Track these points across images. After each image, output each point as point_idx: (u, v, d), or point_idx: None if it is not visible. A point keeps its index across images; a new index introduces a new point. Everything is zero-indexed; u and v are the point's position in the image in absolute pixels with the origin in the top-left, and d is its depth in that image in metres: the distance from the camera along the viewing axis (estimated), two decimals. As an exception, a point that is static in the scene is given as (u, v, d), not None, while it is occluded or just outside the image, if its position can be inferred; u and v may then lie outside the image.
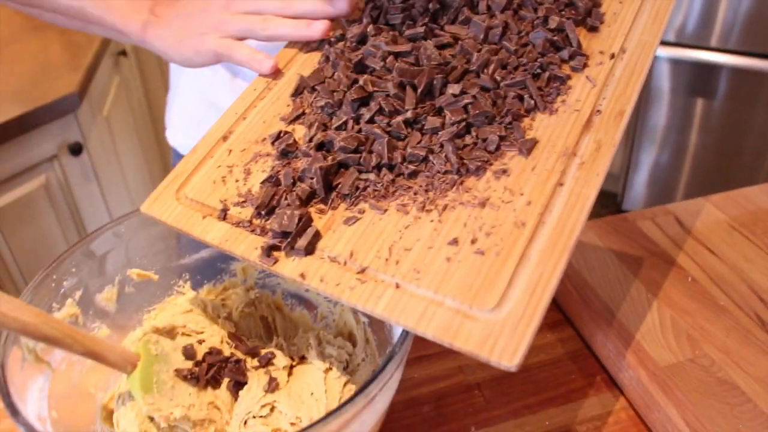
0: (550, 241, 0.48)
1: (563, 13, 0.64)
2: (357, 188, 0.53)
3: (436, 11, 0.64)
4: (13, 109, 1.39)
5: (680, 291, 0.72)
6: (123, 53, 1.98)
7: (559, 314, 0.75)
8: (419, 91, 0.56)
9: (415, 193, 0.53)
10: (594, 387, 0.67)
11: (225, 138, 0.62)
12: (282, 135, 0.59)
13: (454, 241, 0.49)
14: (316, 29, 0.65)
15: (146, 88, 2.20)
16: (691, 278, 0.73)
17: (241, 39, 0.67)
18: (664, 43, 2.11)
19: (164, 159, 2.22)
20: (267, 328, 0.68)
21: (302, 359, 0.63)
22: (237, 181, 0.58)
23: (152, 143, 2.17)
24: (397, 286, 0.48)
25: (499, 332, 0.44)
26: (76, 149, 1.53)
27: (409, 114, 0.55)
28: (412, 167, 0.54)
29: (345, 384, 0.59)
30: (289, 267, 0.51)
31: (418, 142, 0.55)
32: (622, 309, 0.70)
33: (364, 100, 0.58)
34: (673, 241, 0.79)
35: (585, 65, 0.60)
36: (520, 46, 0.61)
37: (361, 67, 0.61)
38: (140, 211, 0.59)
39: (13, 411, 0.46)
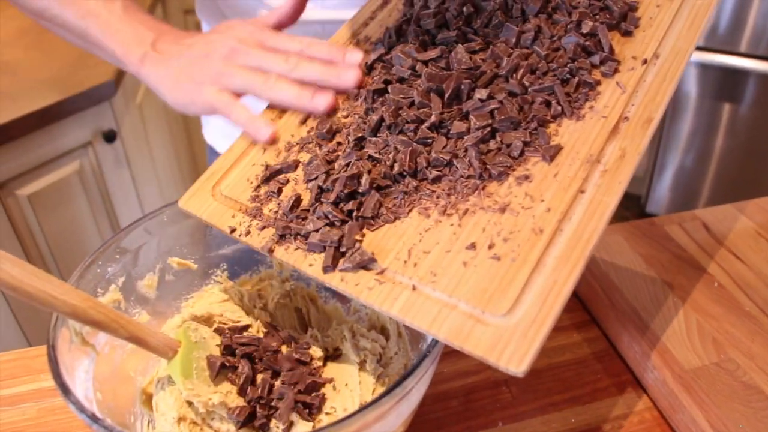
0: (567, 249, 0.48)
1: (597, 17, 0.63)
2: (380, 207, 0.54)
3: (470, 15, 0.64)
4: (51, 95, 1.42)
5: (706, 296, 0.73)
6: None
7: (586, 315, 0.77)
8: (447, 95, 0.57)
9: (438, 197, 0.53)
10: (619, 387, 0.68)
11: None
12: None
13: (472, 246, 0.50)
14: (319, 103, 0.60)
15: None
16: (718, 283, 0.74)
17: (241, 94, 0.65)
18: (693, 46, 2.10)
19: (192, 148, 2.25)
20: (301, 319, 0.70)
21: (336, 351, 0.64)
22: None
23: (181, 131, 2.20)
24: (414, 288, 0.49)
25: (509, 338, 0.45)
26: (110, 136, 1.56)
27: (433, 118, 0.56)
28: (436, 172, 0.54)
29: (378, 376, 0.61)
30: (312, 266, 0.53)
31: (444, 147, 0.55)
32: (649, 311, 0.71)
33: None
34: (700, 246, 0.80)
35: (616, 70, 0.59)
36: (552, 51, 0.60)
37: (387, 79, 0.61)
38: (178, 205, 0.62)
39: (65, 390, 0.49)
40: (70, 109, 1.44)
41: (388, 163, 0.55)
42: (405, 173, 0.55)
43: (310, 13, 0.90)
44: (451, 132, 0.56)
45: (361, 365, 0.61)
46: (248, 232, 0.57)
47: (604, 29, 0.61)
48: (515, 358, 0.43)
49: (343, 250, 0.52)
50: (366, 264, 0.51)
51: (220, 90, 0.63)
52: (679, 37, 0.61)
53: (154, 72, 0.68)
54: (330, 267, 0.51)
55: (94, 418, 0.47)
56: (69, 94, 1.43)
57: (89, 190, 1.58)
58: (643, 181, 2.49)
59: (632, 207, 2.63)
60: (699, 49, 2.10)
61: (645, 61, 0.59)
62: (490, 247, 0.49)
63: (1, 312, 1.46)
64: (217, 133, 1.00)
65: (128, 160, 1.67)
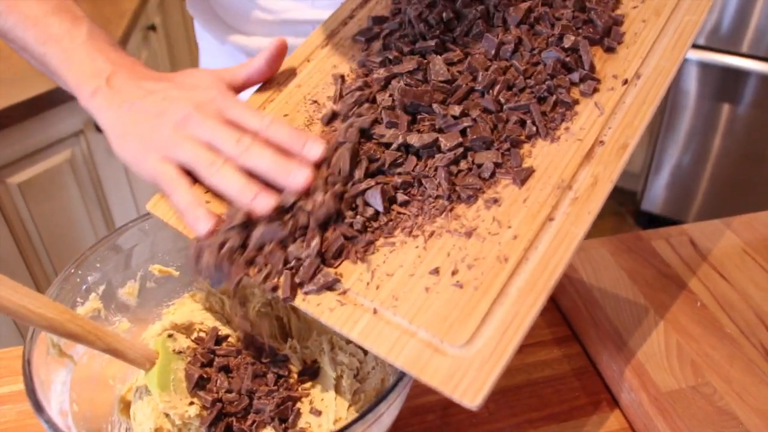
0: (531, 280, 0.48)
1: (580, 30, 0.61)
2: (343, 247, 0.52)
3: (450, 21, 0.62)
4: (43, 83, 1.41)
5: (688, 315, 0.73)
6: (152, 28, 2.00)
7: (568, 330, 0.77)
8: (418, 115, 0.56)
9: (406, 219, 0.53)
10: (596, 406, 0.68)
11: None
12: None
13: (436, 271, 0.49)
14: (259, 205, 0.53)
15: (173, 63, 2.22)
16: (700, 303, 0.74)
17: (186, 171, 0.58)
18: (694, 46, 2.09)
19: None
20: (282, 328, 0.70)
21: (314, 363, 0.65)
22: None
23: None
24: (375, 312, 0.48)
25: (465, 370, 0.44)
26: (101, 125, 1.55)
27: (400, 139, 0.54)
28: (404, 197, 0.53)
29: (355, 392, 0.61)
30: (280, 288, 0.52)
31: (414, 167, 0.54)
32: (629, 330, 0.71)
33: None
34: (685, 263, 0.80)
35: (595, 90, 0.58)
36: (531, 65, 0.59)
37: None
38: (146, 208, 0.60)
39: (38, 407, 0.49)
40: (61, 97, 1.43)
41: (358, 218, 0.53)
42: (375, 215, 0.53)
43: (300, 12, 0.89)
44: (420, 152, 0.55)
45: (338, 380, 0.61)
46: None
47: (586, 45, 0.59)
48: (470, 392, 0.43)
49: (298, 281, 0.51)
50: (330, 285, 0.50)
51: (165, 160, 0.58)
52: (662, 56, 0.59)
53: (102, 111, 0.62)
54: (290, 297, 0.50)
55: (65, 438, 0.47)
56: (61, 83, 1.42)
57: (81, 179, 1.57)
58: (639, 177, 2.49)
59: (627, 203, 2.63)
60: (700, 47, 2.08)
61: (626, 81, 0.58)
62: (454, 273, 0.49)
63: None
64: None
65: (121, 148, 1.66)
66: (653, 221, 2.50)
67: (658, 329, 0.71)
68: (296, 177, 0.53)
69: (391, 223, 0.53)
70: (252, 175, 0.55)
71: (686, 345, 0.69)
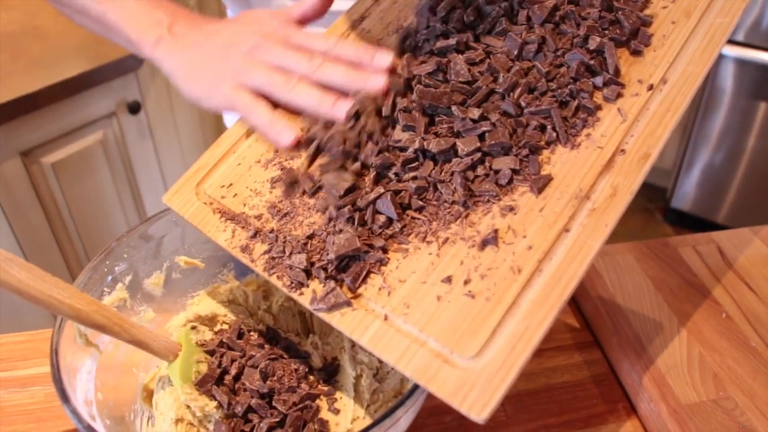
0: (543, 293, 0.47)
1: (607, 31, 0.59)
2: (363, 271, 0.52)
3: (473, 21, 0.61)
4: (77, 65, 1.43)
5: (712, 327, 0.72)
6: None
7: (590, 335, 0.76)
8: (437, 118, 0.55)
9: (421, 224, 0.52)
10: (615, 414, 0.68)
11: (248, 135, 0.62)
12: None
13: (448, 279, 0.49)
14: (340, 111, 0.57)
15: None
16: (726, 314, 0.74)
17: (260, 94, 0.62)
18: (731, 42, 2.05)
19: (219, 123, 2.26)
20: (304, 323, 0.71)
21: (334, 360, 0.65)
22: (255, 182, 0.59)
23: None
24: (386, 318, 0.48)
25: (474, 383, 0.44)
26: (134, 108, 1.57)
27: (417, 144, 0.54)
28: (420, 203, 0.53)
29: (374, 392, 0.61)
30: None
31: (431, 172, 0.53)
32: (652, 339, 0.70)
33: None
34: (712, 273, 0.79)
35: (619, 95, 0.55)
36: (554, 67, 0.57)
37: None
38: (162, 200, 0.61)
39: (64, 398, 0.50)
40: (96, 79, 1.45)
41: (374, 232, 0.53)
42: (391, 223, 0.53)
43: None
44: (437, 157, 0.54)
45: (357, 379, 0.62)
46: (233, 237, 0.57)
47: (612, 47, 0.57)
48: (477, 405, 0.43)
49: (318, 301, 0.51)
50: (341, 306, 0.50)
51: (240, 87, 0.61)
52: (691, 60, 0.57)
53: (169, 58, 0.65)
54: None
55: (89, 429, 0.48)
56: (96, 65, 1.44)
57: (112, 160, 1.60)
58: (671, 174, 2.45)
59: (657, 200, 2.60)
60: (738, 44, 2.04)
61: (651, 87, 0.55)
62: (466, 282, 0.48)
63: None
64: (235, 116, 1.00)
65: (152, 131, 1.68)
66: (682, 219, 2.47)
67: (681, 339, 0.70)
68: (374, 81, 0.57)
69: (405, 228, 0.52)
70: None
71: (709, 357, 0.68)
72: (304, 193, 0.57)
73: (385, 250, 0.52)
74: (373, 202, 0.53)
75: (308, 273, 0.52)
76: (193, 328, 0.65)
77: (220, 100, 0.62)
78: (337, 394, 0.61)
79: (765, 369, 0.67)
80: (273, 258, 0.54)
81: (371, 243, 0.52)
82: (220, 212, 0.58)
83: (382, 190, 0.53)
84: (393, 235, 0.52)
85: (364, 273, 0.51)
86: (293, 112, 0.61)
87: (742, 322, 0.73)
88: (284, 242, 0.54)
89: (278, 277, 0.53)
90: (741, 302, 0.75)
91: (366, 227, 0.53)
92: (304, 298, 0.52)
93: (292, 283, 0.52)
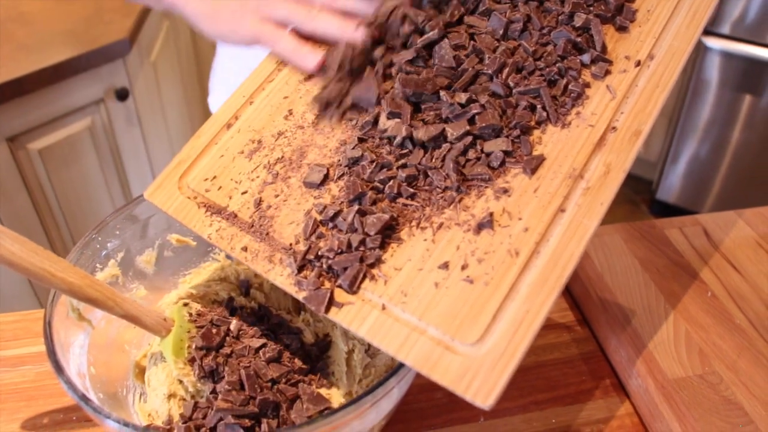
0: (542, 275, 0.46)
1: (592, 8, 0.58)
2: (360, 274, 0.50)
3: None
4: (65, 50, 1.42)
5: (698, 305, 0.73)
6: None
7: (578, 314, 0.77)
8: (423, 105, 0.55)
9: (413, 210, 0.51)
10: (603, 390, 0.69)
11: (229, 125, 0.61)
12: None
13: (445, 265, 0.48)
14: (364, 33, 0.59)
15: (194, 32, 2.22)
16: (711, 293, 0.75)
17: (283, 25, 0.64)
18: (717, 35, 2.07)
19: (206, 109, 2.25)
20: (295, 301, 0.71)
21: (326, 336, 0.66)
22: (239, 173, 0.57)
23: (196, 90, 2.20)
24: (383, 308, 0.47)
25: (477, 370, 0.43)
26: (122, 94, 1.56)
27: (404, 132, 0.53)
28: (411, 190, 0.52)
29: (366, 366, 0.62)
30: (280, 278, 0.51)
31: (421, 159, 0.53)
32: (639, 317, 0.71)
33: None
34: (698, 253, 0.80)
35: (607, 72, 0.55)
36: (540, 46, 0.56)
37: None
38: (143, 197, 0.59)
39: (58, 369, 0.50)
40: (83, 65, 1.44)
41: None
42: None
43: None
44: (426, 144, 0.53)
45: (349, 354, 0.62)
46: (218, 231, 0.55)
47: (597, 24, 0.57)
48: (482, 392, 0.43)
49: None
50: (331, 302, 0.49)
51: (263, 20, 0.63)
52: (677, 35, 0.57)
53: (190, 2, 0.67)
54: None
55: (84, 398, 0.48)
56: (83, 51, 1.43)
57: (100, 147, 1.59)
58: (656, 166, 2.47)
59: (643, 191, 2.62)
60: (724, 37, 2.06)
61: (638, 63, 0.56)
62: (464, 267, 0.48)
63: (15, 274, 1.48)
64: (221, 103, 1.00)
65: (140, 118, 1.67)
66: (667, 211, 2.49)
67: (667, 317, 0.71)
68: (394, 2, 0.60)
69: (399, 218, 0.51)
70: None
71: (695, 334, 0.69)
72: (338, 107, 0.58)
73: (382, 246, 0.50)
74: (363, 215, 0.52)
75: (301, 268, 0.51)
76: (185, 305, 0.65)
77: (244, 34, 0.64)
78: (330, 369, 0.62)
79: (749, 345, 0.68)
80: (264, 253, 0.53)
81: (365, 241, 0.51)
82: (205, 206, 0.56)
83: (375, 210, 0.52)
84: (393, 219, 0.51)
85: (361, 276, 0.49)
86: (316, 42, 0.63)
87: (727, 301, 0.74)
88: (273, 239, 0.53)
89: (267, 271, 0.52)
90: (726, 281, 0.76)
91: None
92: (282, 281, 0.51)
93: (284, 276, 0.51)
